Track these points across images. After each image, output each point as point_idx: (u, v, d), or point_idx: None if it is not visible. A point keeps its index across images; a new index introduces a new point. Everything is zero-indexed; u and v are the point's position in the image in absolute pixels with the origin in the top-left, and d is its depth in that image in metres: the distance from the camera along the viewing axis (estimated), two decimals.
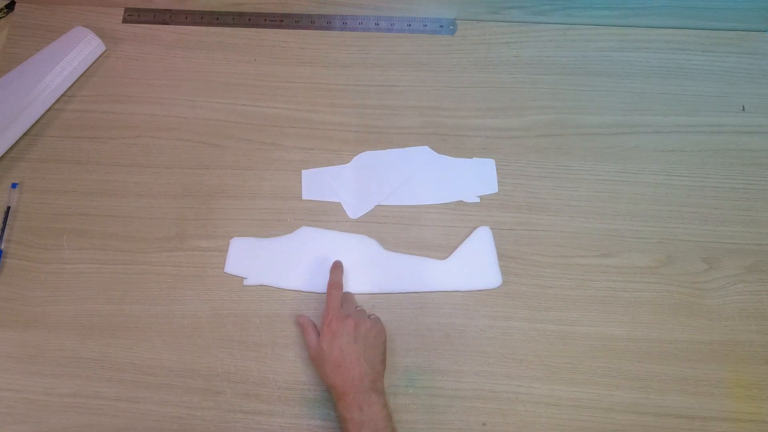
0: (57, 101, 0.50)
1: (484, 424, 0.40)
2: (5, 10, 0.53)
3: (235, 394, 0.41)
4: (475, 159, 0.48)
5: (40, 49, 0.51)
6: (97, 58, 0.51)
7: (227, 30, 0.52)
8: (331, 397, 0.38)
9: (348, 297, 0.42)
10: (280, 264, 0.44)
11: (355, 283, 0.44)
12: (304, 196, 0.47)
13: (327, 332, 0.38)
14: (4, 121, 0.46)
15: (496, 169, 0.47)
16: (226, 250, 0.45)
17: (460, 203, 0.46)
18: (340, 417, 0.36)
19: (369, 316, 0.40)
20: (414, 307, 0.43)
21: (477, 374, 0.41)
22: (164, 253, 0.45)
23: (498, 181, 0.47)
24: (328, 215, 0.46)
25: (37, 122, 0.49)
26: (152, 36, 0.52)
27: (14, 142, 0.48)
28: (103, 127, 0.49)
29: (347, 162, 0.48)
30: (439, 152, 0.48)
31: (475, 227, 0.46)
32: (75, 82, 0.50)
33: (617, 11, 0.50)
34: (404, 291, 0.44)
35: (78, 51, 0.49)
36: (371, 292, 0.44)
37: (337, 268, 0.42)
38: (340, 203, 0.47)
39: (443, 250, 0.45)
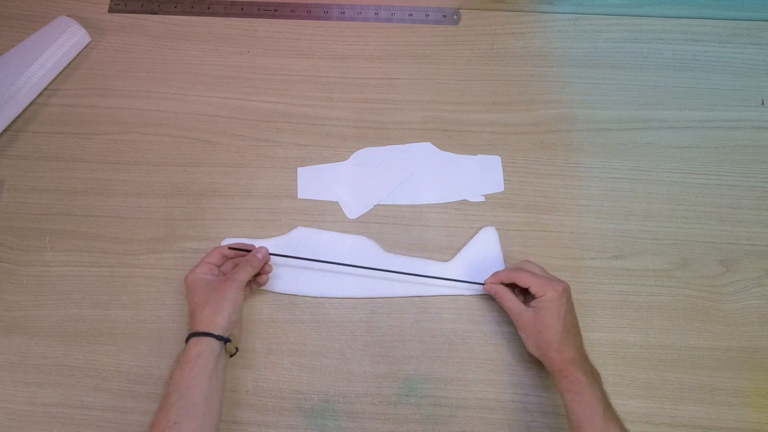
0: (39, 95, 0.48)
1: None
2: None
3: (227, 403, 0.39)
4: (479, 156, 0.46)
5: (22, 40, 0.49)
6: (82, 50, 0.50)
7: (219, 20, 0.51)
8: (337, 406, 0.37)
9: None
10: (274, 267, 0.42)
11: (353, 286, 0.42)
12: (300, 195, 0.45)
13: (561, 293, 0.36)
14: None
15: (502, 166, 0.46)
16: None
17: (464, 202, 0.45)
18: (571, 377, 0.34)
19: None
20: (415, 312, 0.42)
21: (482, 383, 0.40)
22: (152, 255, 0.44)
23: (504, 179, 0.46)
24: (325, 215, 0.45)
25: (18, 117, 0.48)
26: (140, 26, 0.51)
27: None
28: (89, 123, 0.48)
29: (345, 159, 0.47)
30: (442, 149, 0.47)
31: (480, 227, 0.44)
32: (58, 75, 0.49)
33: (630, 0, 0.49)
34: (405, 295, 0.42)
35: (62, 42, 0.48)
36: (370, 296, 0.42)
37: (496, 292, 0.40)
38: (337, 202, 0.45)
39: (446, 251, 0.44)
